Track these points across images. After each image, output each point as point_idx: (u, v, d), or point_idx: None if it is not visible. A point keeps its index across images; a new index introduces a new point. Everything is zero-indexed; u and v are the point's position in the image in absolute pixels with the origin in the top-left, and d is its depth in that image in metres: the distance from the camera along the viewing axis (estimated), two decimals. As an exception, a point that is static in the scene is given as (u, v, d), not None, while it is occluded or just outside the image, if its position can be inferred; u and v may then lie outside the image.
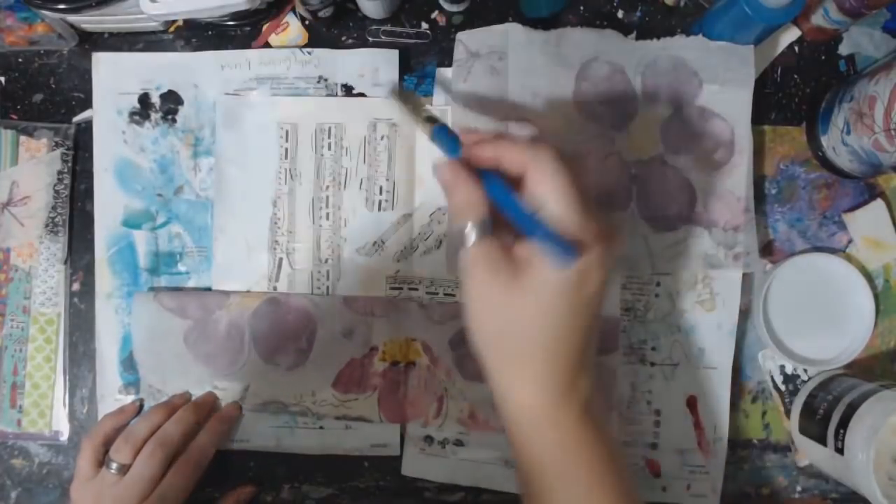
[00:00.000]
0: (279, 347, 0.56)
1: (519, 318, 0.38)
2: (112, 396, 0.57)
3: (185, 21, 0.58)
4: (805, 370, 0.57)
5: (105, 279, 0.57)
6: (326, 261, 0.57)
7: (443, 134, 0.40)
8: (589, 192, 0.38)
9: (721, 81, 0.55)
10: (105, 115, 0.58)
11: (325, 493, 0.57)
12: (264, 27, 0.58)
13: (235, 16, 0.55)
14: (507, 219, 0.38)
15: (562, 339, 0.38)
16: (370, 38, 0.58)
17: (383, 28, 0.58)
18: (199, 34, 0.59)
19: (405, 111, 0.45)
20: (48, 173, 0.58)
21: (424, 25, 0.58)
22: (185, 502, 0.52)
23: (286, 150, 0.57)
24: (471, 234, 0.37)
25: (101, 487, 0.51)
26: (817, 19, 0.56)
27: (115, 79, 0.58)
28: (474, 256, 0.38)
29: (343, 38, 0.58)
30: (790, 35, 0.58)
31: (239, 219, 0.57)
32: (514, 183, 0.39)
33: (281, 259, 0.57)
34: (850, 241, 0.58)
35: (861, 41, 0.59)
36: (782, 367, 0.58)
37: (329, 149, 0.57)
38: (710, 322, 0.57)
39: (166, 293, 0.57)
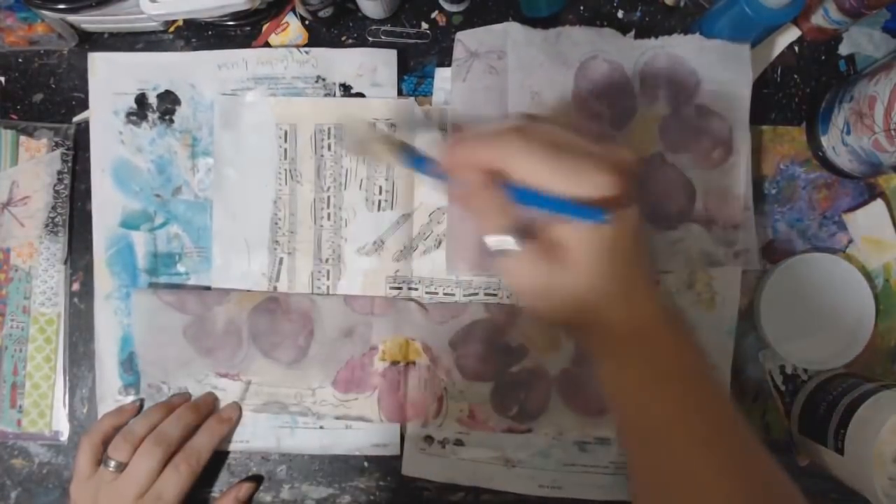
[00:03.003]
0: (278, 344, 0.56)
1: (571, 289, 0.38)
2: (112, 398, 0.57)
3: (185, 21, 0.58)
4: (805, 370, 0.57)
5: (104, 280, 0.57)
6: (327, 261, 0.57)
7: (424, 165, 0.40)
8: (579, 143, 0.37)
9: (719, 80, 0.55)
10: (102, 115, 0.58)
11: (325, 493, 0.58)
12: (264, 27, 0.58)
13: (235, 16, 0.55)
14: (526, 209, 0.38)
15: (604, 274, 0.39)
16: (370, 38, 0.58)
17: (383, 28, 0.58)
18: (198, 34, 0.59)
19: (384, 152, 0.43)
20: (48, 173, 0.58)
21: (424, 25, 0.58)
22: (183, 501, 0.52)
23: (285, 150, 0.57)
24: (513, 242, 0.37)
25: (99, 485, 0.51)
26: (817, 19, 0.56)
27: (112, 79, 0.58)
28: (520, 262, 0.38)
29: (343, 38, 0.58)
30: (790, 35, 0.58)
31: (238, 219, 0.57)
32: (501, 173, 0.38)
33: (281, 259, 0.57)
34: (850, 241, 0.58)
35: (861, 41, 0.59)
36: (782, 367, 0.58)
37: (329, 149, 0.57)
38: (709, 321, 0.56)
39: (165, 289, 0.57)
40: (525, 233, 0.37)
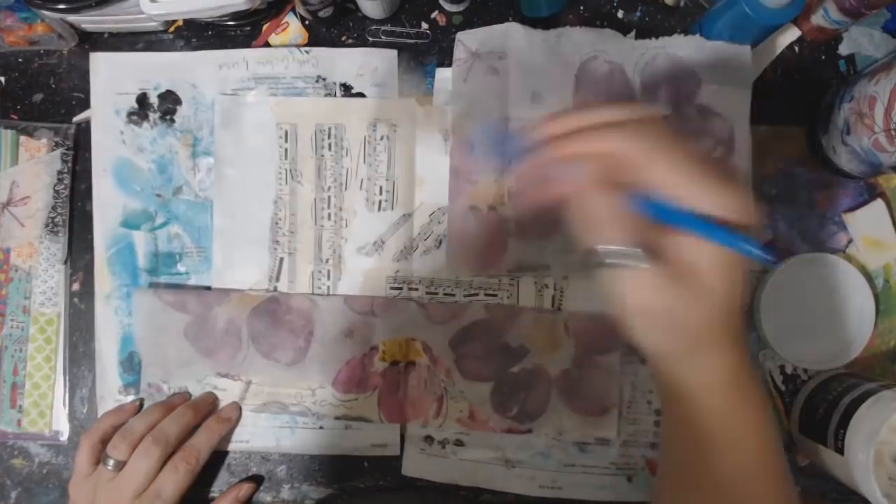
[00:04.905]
0: (278, 345, 0.56)
1: (696, 319, 0.34)
2: (112, 397, 0.57)
3: (185, 21, 0.58)
4: (805, 370, 0.57)
5: (104, 280, 0.57)
6: (327, 261, 0.57)
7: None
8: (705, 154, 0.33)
9: (719, 81, 0.55)
10: (103, 115, 0.58)
11: (325, 493, 0.57)
12: (264, 27, 0.58)
13: (235, 16, 0.55)
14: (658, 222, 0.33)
15: (732, 311, 0.35)
16: (370, 38, 0.58)
17: (383, 28, 0.58)
18: (198, 34, 0.59)
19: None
20: (48, 173, 0.58)
21: (424, 25, 0.58)
22: (182, 501, 0.52)
23: (286, 150, 0.57)
24: (638, 257, 0.32)
25: (98, 483, 0.51)
26: (817, 19, 0.56)
27: (113, 79, 0.58)
28: (643, 281, 0.33)
29: (343, 38, 0.58)
30: (790, 35, 0.58)
31: (239, 219, 0.57)
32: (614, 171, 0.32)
33: (282, 259, 0.57)
34: (850, 241, 0.58)
35: (861, 41, 0.59)
36: (782, 367, 0.58)
37: (329, 149, 0.57)
38: (710, 322, 0.56)
39: (166, 289, 0.57)
40: (647, 247, 0.32)
